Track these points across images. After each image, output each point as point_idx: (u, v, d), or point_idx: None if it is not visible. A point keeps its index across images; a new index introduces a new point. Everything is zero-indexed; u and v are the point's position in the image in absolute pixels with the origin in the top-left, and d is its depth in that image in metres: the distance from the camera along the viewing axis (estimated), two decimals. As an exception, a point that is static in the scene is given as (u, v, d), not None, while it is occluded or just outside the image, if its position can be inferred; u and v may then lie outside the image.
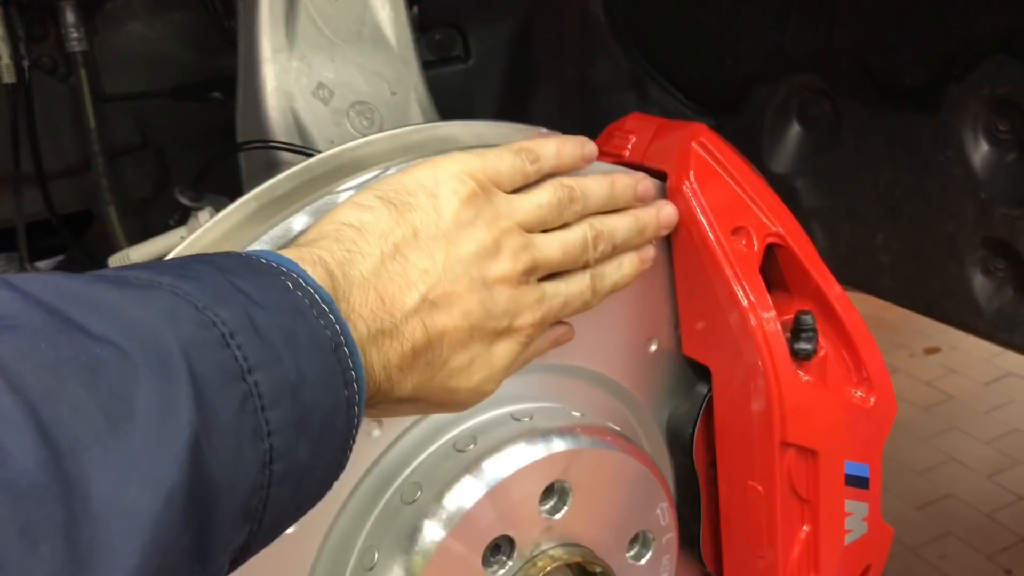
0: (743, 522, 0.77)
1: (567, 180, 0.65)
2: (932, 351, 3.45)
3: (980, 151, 1.00)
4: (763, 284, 0.72)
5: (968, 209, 1.02)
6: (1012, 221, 0.98)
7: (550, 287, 0.64)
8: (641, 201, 0.70)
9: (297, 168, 0.64)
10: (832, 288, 0.74)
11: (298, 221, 0.62)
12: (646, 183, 0.70)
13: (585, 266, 0.66)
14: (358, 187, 0.63)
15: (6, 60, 0.93)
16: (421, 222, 0.58)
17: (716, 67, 1.16)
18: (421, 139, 0.68)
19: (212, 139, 0.97)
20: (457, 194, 0.59)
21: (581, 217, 0.66)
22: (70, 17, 0.92)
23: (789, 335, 0.73)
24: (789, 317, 0.74)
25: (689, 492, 0.81)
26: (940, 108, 1.01)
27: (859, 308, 0.80)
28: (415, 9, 0.96)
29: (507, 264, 0.60)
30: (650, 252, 0.71)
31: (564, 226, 0.65)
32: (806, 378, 0.73)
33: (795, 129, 1.15)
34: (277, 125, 0.76)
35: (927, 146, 1.04)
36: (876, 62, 1.06)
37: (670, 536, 0.75)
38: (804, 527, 0.76)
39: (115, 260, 0.79)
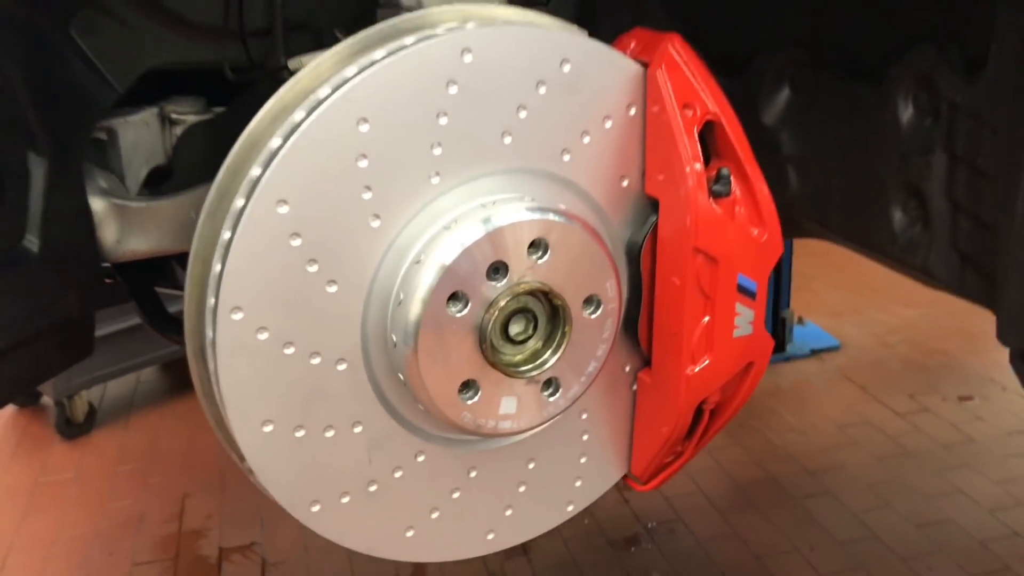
0: (666, 309, 1.20)
1: None
2: (966, 399, 3.76)
3: (907, 114, 1.41)
4: (697, 142, 1.14)
5: (894, 159, 1.43)
6: (920, 168, 1.39)
7: None
8: None
9: (413, 16, 1.10)
10: (748, 157, 1.16)
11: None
12: None
13: None
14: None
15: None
16: None
17: (733, 36, 1.60)
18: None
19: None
20: None
21: None
22: None
23: (713, 181, 1.15)
24: (714, 173, 1.16)
25: (635, 290, 1.23)
26: (884, 81, 1.42)
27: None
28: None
29: None
30: None
31: None
32: (719, 211, 1.15)
33: (785, 92, 1.58)
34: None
35: (873, 110, 1.45)
36: (846, 44, 1.48)
37: (614, 306, 1.18)
38: (705, 317, 1.18)
39: (293, 63, 1.24)
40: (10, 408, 3.88)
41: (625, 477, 1.35)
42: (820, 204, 1.57)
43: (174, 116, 1.56)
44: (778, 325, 4.15)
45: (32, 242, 1.37)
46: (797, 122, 1.58)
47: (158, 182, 1.58)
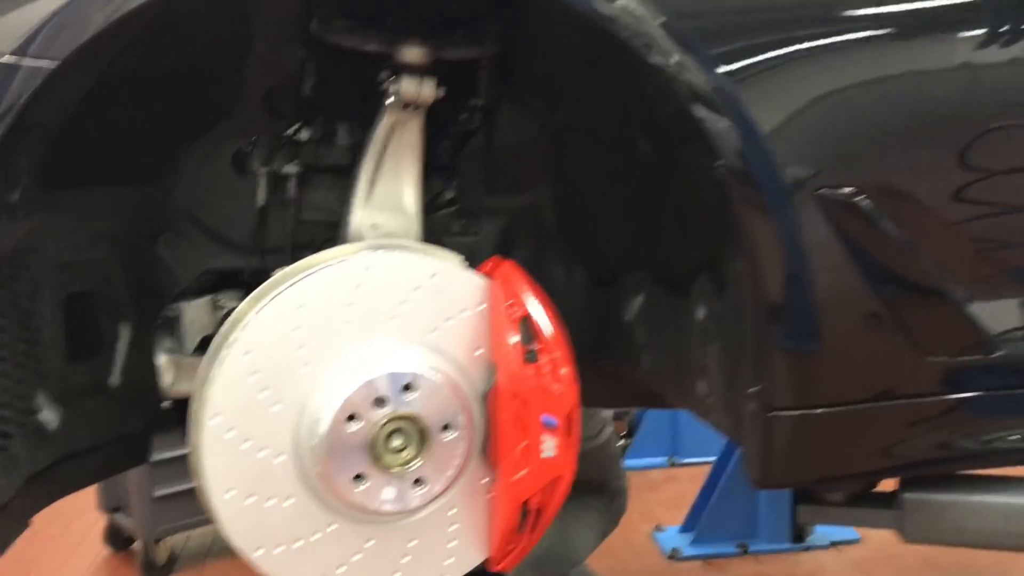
0: (500, 435, 1.92)
1: None
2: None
3: (700, 315, 2.12)
4: (515, 327, 1.89)
5: (696, 347, 2.13)
6: (705, 353, 2.09)
7: None
8: None
9: (345, 246, 1.93)
10: (556, 338, 1.90)
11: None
12: None
13: None
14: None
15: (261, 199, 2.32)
16: None
17: (606, 262, 2.37)
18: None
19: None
20: None
21: None
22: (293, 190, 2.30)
23: (526, 352, 1.89)
24: (527, 348, 1.90)
25: (486, 425, 1.96)
26: (689, 294, 2.16)
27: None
28: (453, 186, 2.27)
29: None
30: None
31: None
32: (530, 371, 1.89)
33: (639, 299, 2.32)
34: (355, 234, 2.06)
35: (684, 312, 2.18)
36: (671, 268, 2.23)
37: (465, 432, 1.91)
38: (523, 442, 1.89)
39: (276, 270, 2.06)
40: (106, 551, 4.75)
41: (486, 561, 2.02)
42: (660, 379, 2.28)
43: (221, 303, 2.41)
44: (797, 517, 4.64)
45: (115, 379, 2.21)
46: (645, 320, 2.32)
47: (206, 346, 2.42)
